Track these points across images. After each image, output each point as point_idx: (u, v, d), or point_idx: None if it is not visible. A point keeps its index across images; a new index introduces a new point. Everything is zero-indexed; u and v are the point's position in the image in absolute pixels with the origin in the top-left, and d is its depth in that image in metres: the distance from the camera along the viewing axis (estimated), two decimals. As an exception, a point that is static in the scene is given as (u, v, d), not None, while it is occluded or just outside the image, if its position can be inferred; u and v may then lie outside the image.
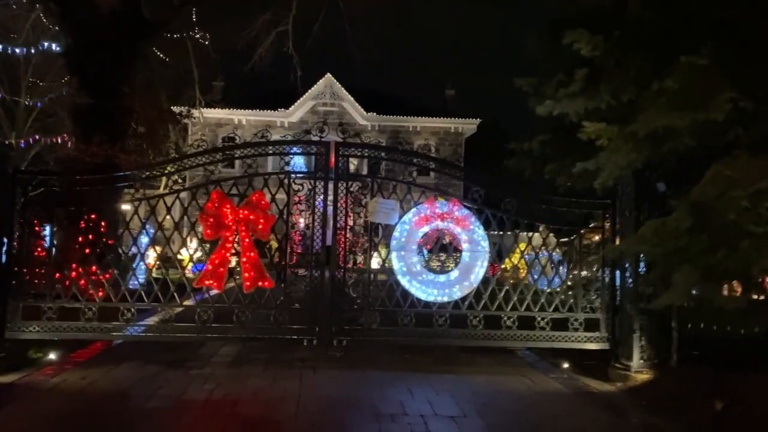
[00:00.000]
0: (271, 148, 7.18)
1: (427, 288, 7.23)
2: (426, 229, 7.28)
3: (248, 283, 6.98)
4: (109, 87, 13.45)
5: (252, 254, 7.01)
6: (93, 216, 9.22)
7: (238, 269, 7.06)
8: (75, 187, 7.11)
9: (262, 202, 7.07)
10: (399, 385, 6.44)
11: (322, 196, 7.13)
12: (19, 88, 26.73)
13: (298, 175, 7.22)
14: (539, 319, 7.35)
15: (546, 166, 8.33)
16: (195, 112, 23.00)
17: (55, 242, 7.12)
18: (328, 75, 37.85)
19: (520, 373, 7.38)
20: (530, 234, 7.92)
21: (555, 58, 8.16)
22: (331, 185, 7.14)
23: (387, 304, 7.20)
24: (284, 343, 7.19)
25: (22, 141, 26.16)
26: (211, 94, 26.75)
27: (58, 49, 21.91)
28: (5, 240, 6.63)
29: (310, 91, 35.63)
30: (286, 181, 7.15)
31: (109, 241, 8.29)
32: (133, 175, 7.33)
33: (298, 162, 7.49)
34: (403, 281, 7.20)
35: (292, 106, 35.27)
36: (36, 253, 7.02)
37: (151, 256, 8.58)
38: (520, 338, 7.33)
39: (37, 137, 25.72)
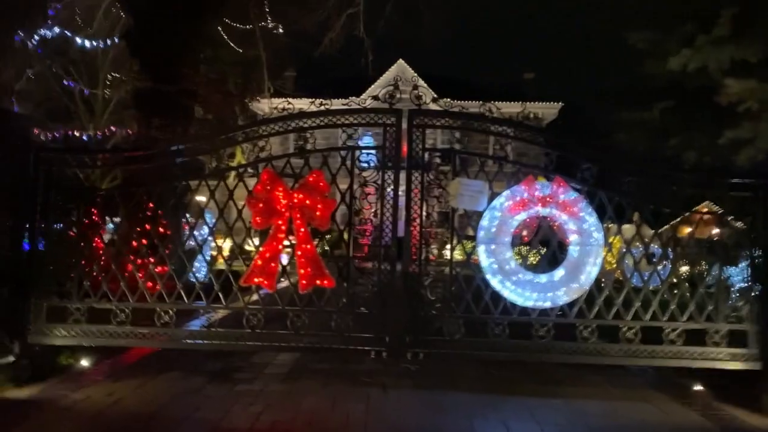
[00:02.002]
0: (329, 118, 5.90)
1: (524, 290, 5.76)
2: (523, 216, 5.80)
3: (304, 282, 5.75)
4: (170, 69, 12.71)
5: (308, 247, 5.77)
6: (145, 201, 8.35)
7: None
8: (109, 166, 6.13)
9: (321, 184, 5.81)
10: (491, 416, 5.05)
11: (392, 177, 5.80)
12: (97, 81, 26.97)
13: (363, 150, 5.91)
14: (668, 330, 5.75)
15: (669, 139, 6.66)
16: (264, 102, 22.28)
17: (87, 232, 6.16)
18: (400, 61, 36.68)
19: (643, 397, 5.82)
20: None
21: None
22: (404, 163, 5.80)
23: (473, 309, 5.80)
24: (348, 353, 5.93)
25: (99, 132, 26.35)
26: (282, 84, 26.04)
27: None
28: (27, 228, 5.72)
29: (381, 78, 34.56)
30: (349, 158, 5.87)
31: (165, 231, 7.37)
32: (174, 151, 6.24)
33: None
34: (494, 281, 5.77)
35: (363, 94, 34.24)
36: (65, 244, 6.07)
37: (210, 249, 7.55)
38: (643, 355, 5.74)
39: (113, 129, 25.85)
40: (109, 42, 25.23)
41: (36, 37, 24.99)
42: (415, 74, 35.84)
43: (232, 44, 20.55)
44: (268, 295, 5.92)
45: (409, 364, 6.03)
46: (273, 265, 5.77)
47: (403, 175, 5.81)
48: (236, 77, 22.90)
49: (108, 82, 26.94)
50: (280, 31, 23.12)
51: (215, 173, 6.12)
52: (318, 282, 5.75)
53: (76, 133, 24.68)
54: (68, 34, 25.25)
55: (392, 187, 5.81)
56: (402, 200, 5.88)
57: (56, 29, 25.11)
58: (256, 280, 5.78)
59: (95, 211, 6.40)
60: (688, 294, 5.84)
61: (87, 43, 25.43)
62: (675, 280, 6.09)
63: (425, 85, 33.97)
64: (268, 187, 5.82)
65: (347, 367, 6.40)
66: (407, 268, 5.79)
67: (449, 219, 5.91)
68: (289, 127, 5.91)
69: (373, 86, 34.67)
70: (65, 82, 24.66)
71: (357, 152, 5.88)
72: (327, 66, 32.31)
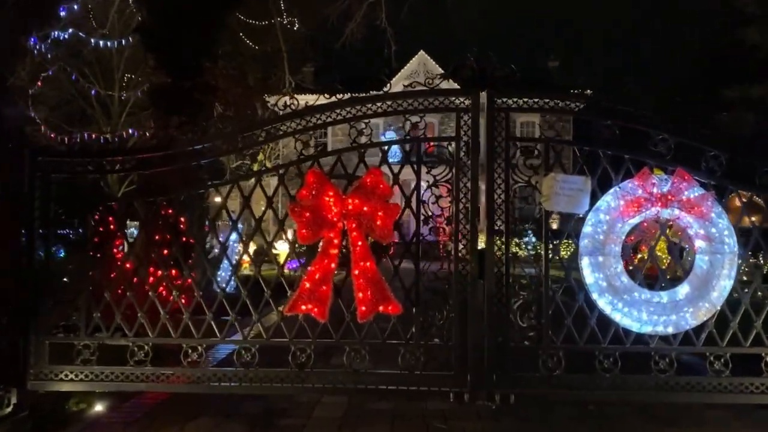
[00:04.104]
0: (389, 103, 4.75)
1: (639, 313, 4.58)
2: (636, 220, 4.62)
3: (364, 308, 4.62)
4: (188, 62, 11.69)
5: (368, 264, 4.64)
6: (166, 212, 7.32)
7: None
8: (122, 171, 5.09)
9: (380, 186, 4.68)
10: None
11: (470, 175, 4.65)
12: (112, 83, 26.20)
13: (432, 143, 4.75)
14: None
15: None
16: (285, 99, 21.30)
17: (96, 252, 5.11)
18: (421, 52, 35.52)
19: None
20: None
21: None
22: (483, 156, 4.65)
23: (576, 337, 4.63)
24: (418, 394, 4.79)
25: (116, 135, 25.55)
26: (301, 79, 25.01)
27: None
28: (23, 249, 4.67)
29: (402, 70, 33.44)
30: (414, 153, 4.72)
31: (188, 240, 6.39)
32: (201, 150, 5.15)
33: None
34: (602, 302, 4.59)
35: (384, 88, 33.10)
36: (69, 268, 5.02)
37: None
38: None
39: (131, 131, 25.03)
40: (123, 42, 24.45)
41: (49, 40, 24.28)
42: (436, 65, 34.65)
43: (250, 38, 19.62)
44: (316, 325, 4.78)
45: (489, 402, 4.87)
46: (324, 288, 4.64)
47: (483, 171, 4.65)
48: (255, 72, 21.93)
49: (123, 84, 26.17)
50: (298, 25, 22.10)
51: (252, 174, 4.98)
52: (381, 308, 4.62)
53: (93, 137, 23.93)
54: (82, 35, 24.49)
55: (469, 186, 4.65)
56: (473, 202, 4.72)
57: (70, 30, 24.37)
58: (303, 307, 4.66)
59: (105, 227, 5.32)
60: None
61: (101, 44, 24.63)
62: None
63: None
64: (315, 192, 4.70)
65: (414, 406, 5.25)
66: (491, 288, 4.63)
67: (542, 225, 4.73)
68: (343, 116, 4.77)
69: (394, 79, 33.50)
70: (77, 81, 23.82)
71: (424, 145, 4.73)
72: (345, 61, 31.09)
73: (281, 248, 17.51)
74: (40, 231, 4.75)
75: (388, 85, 4.89)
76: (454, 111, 4.70)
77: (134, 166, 5.22)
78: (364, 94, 4.84)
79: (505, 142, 4.71)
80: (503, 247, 4.64)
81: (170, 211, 7.44)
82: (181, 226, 8.33)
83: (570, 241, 4.82)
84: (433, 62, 34.71)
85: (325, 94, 5.32)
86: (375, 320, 4.68)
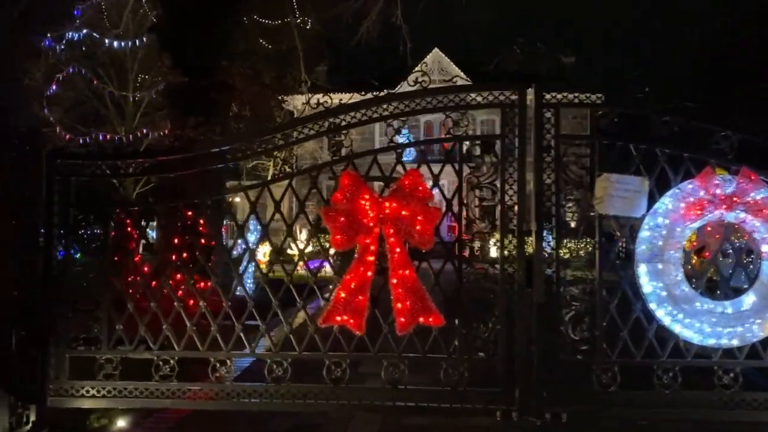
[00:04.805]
0: (428, 99, 4.42)
1: (701, 324, 4.23)
2: (698, 224, 4.27)
3: (403, 320, 4.31)
4: (204, 61, 11.47)
5: (407, 272, 4.32)
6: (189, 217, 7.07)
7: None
8: (143, 174, 4.83)
9: (419, 188, 4.36)
10: None
11: (516, 176, 4.33)
12: (126, 83, 26.10)
13: (475, 141, 4.43)
14: None
15: None
16: (300, 98, 20.98)
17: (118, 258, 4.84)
18: (436, 50, 35.09)
19: None
20: None
21: None
22: (531, 154, 4.32)
23: (633, 350, 4.29)
24: (462, 412, 4.47)
25: (131, 135, 25.44)
26: (315, 78, 24.75)
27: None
28: (41, 258, 4.41)
29: (416, 68, 33.04)
30: (455, 152, 4.40)
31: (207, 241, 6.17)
32: (229, 150, 4.85)
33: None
34: (660, 313, 4.24)
35: (398, 87, 32.73)
36: (90, 275, 4.75)
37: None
38: None
39: (145, 131, 24.91)
40: (137, 42, 24.34)
41: (64, 40, 24.22)
42: (450, 62, 34.22)
43: (263, 37, 19.42)
44: (351, 337, 4.48)
45: (539, 420, 4.54)
46: (361, 298, 4.33)
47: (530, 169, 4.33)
48: (270, 72, 21.71)
49: (137, 84, 26.06)
50: (312, 23, 21.90)
51: (283, 177, 4.66)
52: (421, 319, 4.31)
53: (108, 137, 23.83)
54: (96, 35, 24.40)
55: (516, 188, 4.33)
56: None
57: (84, 31, 24.28)
58: (338, 318, 4.35)
59: (128, 232, 5.05)
60: None
61: (115, 44, 24.53)
62: None
63: (462, 74, 32.36)
64: (350, 195, 4.39)
65: (453, 423, 4.94)
66: (540, 297, 4.30)
67: (594, 229, 4.39)
68: (379, 114, 4.45)
69: (409, 77, 33.09)
70: (92, 81, 23.72)
71: (466, 143, 4.41)
72: (355, 60, 30.72)
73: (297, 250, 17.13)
74: (59, 237, 4.48)
75: (402, 83, 4.60)
76: (499, 107, 4.37)
77: (156, 169, 4.94)
78: (409, 89, 4.51)
79: (555, 140, 4.38)
80: (552, 252, 4.31)
81: (189, 213, 7.21)
82: (201, 228, 8.11)
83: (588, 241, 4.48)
84: (448, 59, 34.31)
85: (358, 92, 5.00)
86: (415, 332, 4.36)
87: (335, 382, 4.38)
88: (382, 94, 4.43)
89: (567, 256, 4.83)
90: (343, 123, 4.46)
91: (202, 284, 6.50)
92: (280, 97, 22.06)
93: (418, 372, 4.48)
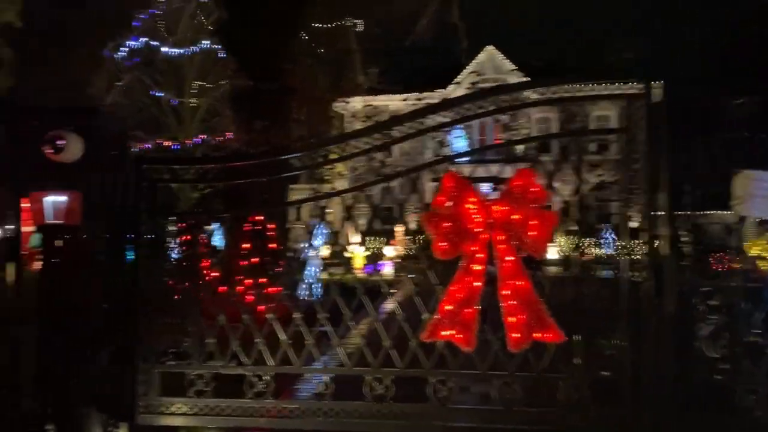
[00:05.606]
0: (540, 91, 4.00)
1: None
2: None
3: (516, 335, 3.91)
4: (269, 64, 11.35)
5: (521, 283, 3.93)
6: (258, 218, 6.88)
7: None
8: (221, 180, 4.59)
9: (532, 189, 3.96)
10: None
11: (645, 173, 3.87)
12: (184, 90, 26.52)
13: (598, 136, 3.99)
14: None
15: None
16: (356, 100, 20.88)
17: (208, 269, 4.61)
18: (489, 47, 34.38)
19: None
20: None
21: None
22: (661, 153, 3.85)
23: (783, 370, 3.78)
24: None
25: (189, 141, 25.81)
26: (369, 79, 24.58)
27: (217, 46, 21.04)
28: (129, 268, 4.20)
29: (469, 66, 32.51)
30: (574, 150, 3.98)
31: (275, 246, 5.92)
32: (307, 157, 4.54)
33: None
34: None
35: (450, 86, 32.14)
36: (180, 287, 4.53)
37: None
38: None
39: (203, 137, 25.23)
40: (194, 48, 24.71)
41: (124, 50, 24.79)
42: (504, 59, 33.45)
43: (316, 41, 19.38)
44: (457, 352, 4.09)
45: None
46: (469, 311, 3.96)
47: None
48: (327, 75, 21.66)
49: (194, 90, 26.43)
50: (366, 25, 21.81)
51: (379, 180, 4.31)
52: (538, 335, 3.90)
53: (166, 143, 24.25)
54: (154, 44, 24.88)
55: (641, 186, 3.87)
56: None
57: (142, 40, 24.80)
58: (444, 333, 3.99)
59: (207, 242, 4.82)
60: None
61: (173, 51, 24.97)
62: None
63: (517, 70, 31.54)
64: (454, 198, 4.03)
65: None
66: (671, 308, 3.83)
67: (731, 232, 3.90)
68: (485, 108, 4.06)
69: (460, 75, 32.48)
70: (150, 89, 24.19)
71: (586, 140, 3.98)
72: (413, 61, 30.36)
73: (356, 251, 16.99)
74: (147, 246, 4.27)
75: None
76: (623, 98, 3.92)
77: (241, 175, 4.69)
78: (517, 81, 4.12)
79: (675, 138, 3.91)
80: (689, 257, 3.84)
81: (259, 218, 6.98)
82: (271, 233, 7.91)
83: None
84: (502, 56, 33.56)
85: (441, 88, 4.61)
86: (530, 348, 3.95)
87: (442, 402, 4.02)
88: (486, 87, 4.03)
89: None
90: (437, 121, 4.08)
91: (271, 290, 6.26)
92: (342, 100, 21.94)
93: (532, 391, 4.07)
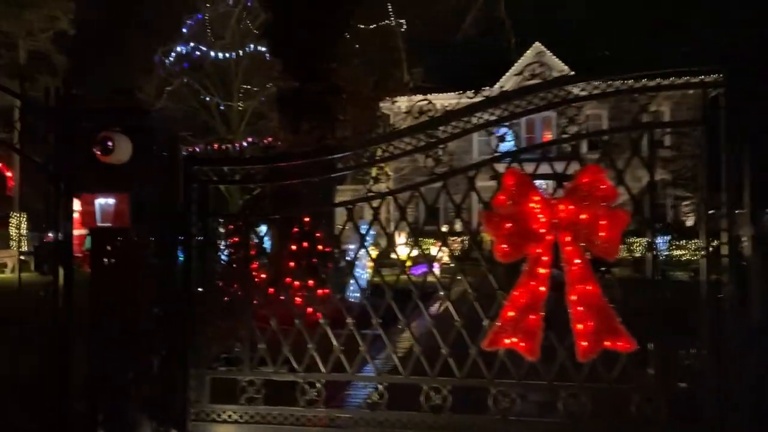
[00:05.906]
0: (617, 77, 3.74)
1: None
2: None
3: (584, 344, 3.64)
4: (315, 65, 11.28)
5: (589, 287, 3.66)
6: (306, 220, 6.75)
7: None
8: (269, 180, 4.47)
9: (601, 187, 3.68)
10: None
11: (726, 169, 3.55)
12: (231, 93, 26.89)
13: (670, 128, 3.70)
14: None
15: None
16: (403, 100, 20.63)
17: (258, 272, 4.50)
18: (537, 44, 33.69)
19: None
20: None
21: None
22: (744, 145, 3.53)
23: None
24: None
25: (237, 144, 26.15)
26: (414, 79, 24.38)
27: (263, 49, 21.23)
28: (180, 272, 4.12)
29: (516, 64, 31.94)
30: (647, 142, 3.69)
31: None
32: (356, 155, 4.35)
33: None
34: None
35: (497, 84, 31.68)
36: (231, 290, 4.43)
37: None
38: None
39: (250, 139, 25.53)
40: (241, 52, 25.01)
41: (173, 55, 25.32)
42: (553, 55, 32.71)
43: (361, 41, 19.32)
44: (522, 361, 3.85)
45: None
46: (533, 317, 3.71)
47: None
48: (372, 74, 21.54)
49: (241, 94, 26.75)
50: (411, 24, 21.66)
51: (436, 179, 4.10)
52: (608, 343, 3.62)
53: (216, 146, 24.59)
54: (202, 48, 25.30)
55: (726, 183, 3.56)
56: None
57: (191, 45, 25.26)
58: (507, 341, 3.76)
59: (260, 243, 4.70)
60: None
61: (220, 55, 25.33)
62: None
63: (566, 67, 30.78)
64: (516, 197, 3.79)
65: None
66: (757, 315, 3.50)
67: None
68: (549, 100, 3.82)
69: (507, 73, 31.88)
70: (199, 92, 24.59)
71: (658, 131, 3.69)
72: (458, 59, 30.03)
73: (405, 253, 16.72)
74: (198, 249, 4.19)
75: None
76: (699, 87, 3.61)
77: (289, 175, 4.56)
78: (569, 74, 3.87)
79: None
80: (774, 262, 3.50)
81: (306, 219, 6.84)
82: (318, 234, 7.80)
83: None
84: (550, 53, 32.83)
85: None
86: (600, 357, 3.68)
87: (503, 413, 3.79)
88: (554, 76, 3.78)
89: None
90: (513, 110, 3.86)
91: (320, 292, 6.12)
92: (383, 100, 21.84)
93: (601, 402, 3.80)
